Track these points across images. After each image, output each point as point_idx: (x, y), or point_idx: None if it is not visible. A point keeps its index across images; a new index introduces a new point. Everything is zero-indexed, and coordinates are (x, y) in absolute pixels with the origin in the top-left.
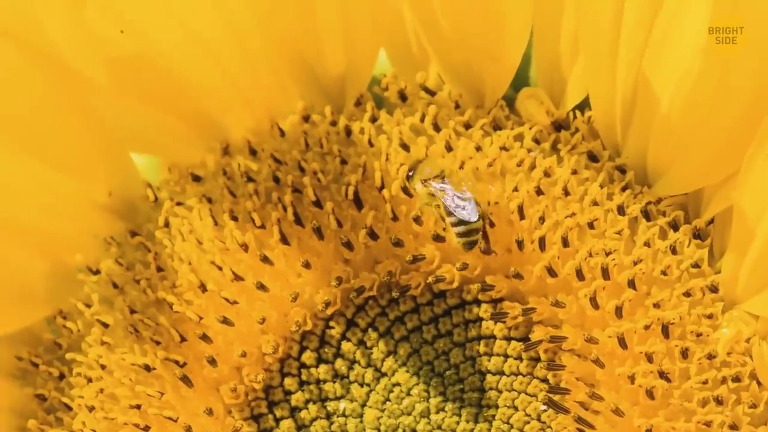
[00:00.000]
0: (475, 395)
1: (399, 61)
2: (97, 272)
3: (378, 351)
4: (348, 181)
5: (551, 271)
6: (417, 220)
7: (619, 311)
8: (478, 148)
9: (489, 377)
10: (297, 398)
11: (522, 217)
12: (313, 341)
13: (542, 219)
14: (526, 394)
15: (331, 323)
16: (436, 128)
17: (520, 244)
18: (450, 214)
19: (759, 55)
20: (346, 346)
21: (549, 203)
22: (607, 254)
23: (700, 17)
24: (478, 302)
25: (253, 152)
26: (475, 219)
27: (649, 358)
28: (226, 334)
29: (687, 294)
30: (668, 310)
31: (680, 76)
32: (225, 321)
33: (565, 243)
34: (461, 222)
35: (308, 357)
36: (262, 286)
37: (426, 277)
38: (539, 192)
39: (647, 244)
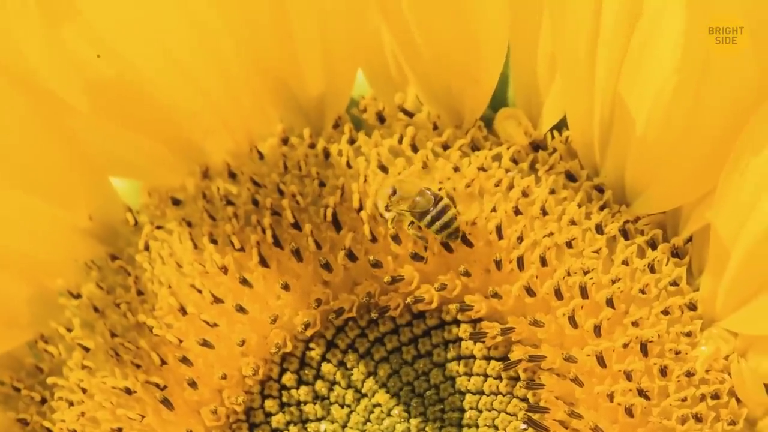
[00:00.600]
0: (455, 415)
1: (377, 83)
2: (78, 296)
3: (358, 372)
4: (326, 203)
5: (530, 291)
6: (395, 238)
7: (597, 330)
8: (456, 169)
9: (469, 397)
10: (278, 420)
11: (500, 237)
12: (293, 363)
13: (520, 239)
14: (506, 413)
15: (311, 345)
16: (414, 149)
17: (498, 264)
18: (421, 216)
19: (733, 74)
20: (326, 368)
21: (527, 223)
22: (585, 273)
23: (674, 37)
24: (457, 322)
25: (232, 175)
26: (438, 203)
27: (628, 377)
28: (206, 357)
29: (665, 312)
30: (647, 329)
31: (655, 95)
32: (205, 344)
33: (544, 262)
34: (434, 218)
35: (288, 379)
36: (241, 309)
37: (405, 298)
38: (517, 212)
39: (625, 262)
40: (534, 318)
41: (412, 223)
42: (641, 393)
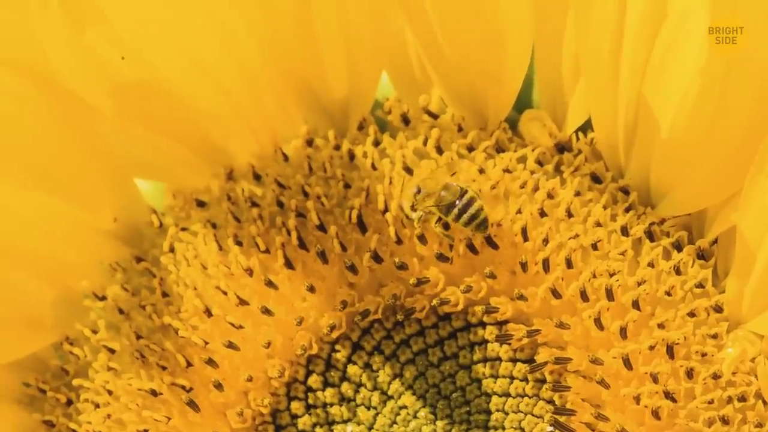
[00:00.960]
0: (481, 417)
1: (401, 85)
2: (103, 298)
3: (384, 374)
4: (351, 205)
5: (555, 293)
6: (422, 239)
7: (623, 332)
8: (481, 171)
9: (495, 399)
10: (304, 422)
11: (526, 239)
12: (319, 365)
13: (546, 241)
14: (533, 415)
15: (337, 347)
16: (439, 151)
17: (524, 266)
18: (448, 210)
19: (758, 75)
20: (352, 370)
21: (552, 225)
22: (611, 275)
23: (699, 40)
24: (483, 324)
25: (257, 177)
26: (463, 195)
27: (655, 379)
28: (231, 359)
29: (691, 314)
30: (672, 331)
31: (680, 97)
32: (230, 345)
33: (569, 264)
34: (461, 210)
35: (315, 381)
36: (267, 311)
37: (431, 300)
38: (543, 214)
39: (651, 264)
40: (560, 320)
41: (439, 219)
42: (668, 395)
